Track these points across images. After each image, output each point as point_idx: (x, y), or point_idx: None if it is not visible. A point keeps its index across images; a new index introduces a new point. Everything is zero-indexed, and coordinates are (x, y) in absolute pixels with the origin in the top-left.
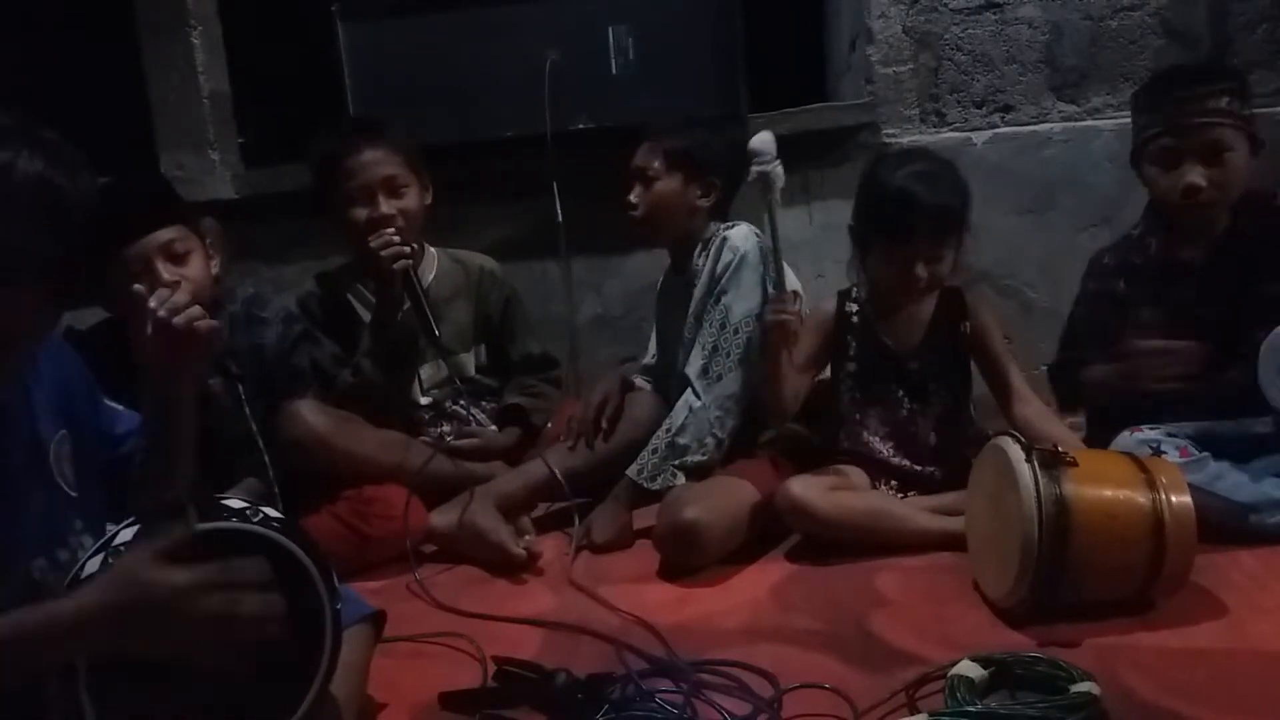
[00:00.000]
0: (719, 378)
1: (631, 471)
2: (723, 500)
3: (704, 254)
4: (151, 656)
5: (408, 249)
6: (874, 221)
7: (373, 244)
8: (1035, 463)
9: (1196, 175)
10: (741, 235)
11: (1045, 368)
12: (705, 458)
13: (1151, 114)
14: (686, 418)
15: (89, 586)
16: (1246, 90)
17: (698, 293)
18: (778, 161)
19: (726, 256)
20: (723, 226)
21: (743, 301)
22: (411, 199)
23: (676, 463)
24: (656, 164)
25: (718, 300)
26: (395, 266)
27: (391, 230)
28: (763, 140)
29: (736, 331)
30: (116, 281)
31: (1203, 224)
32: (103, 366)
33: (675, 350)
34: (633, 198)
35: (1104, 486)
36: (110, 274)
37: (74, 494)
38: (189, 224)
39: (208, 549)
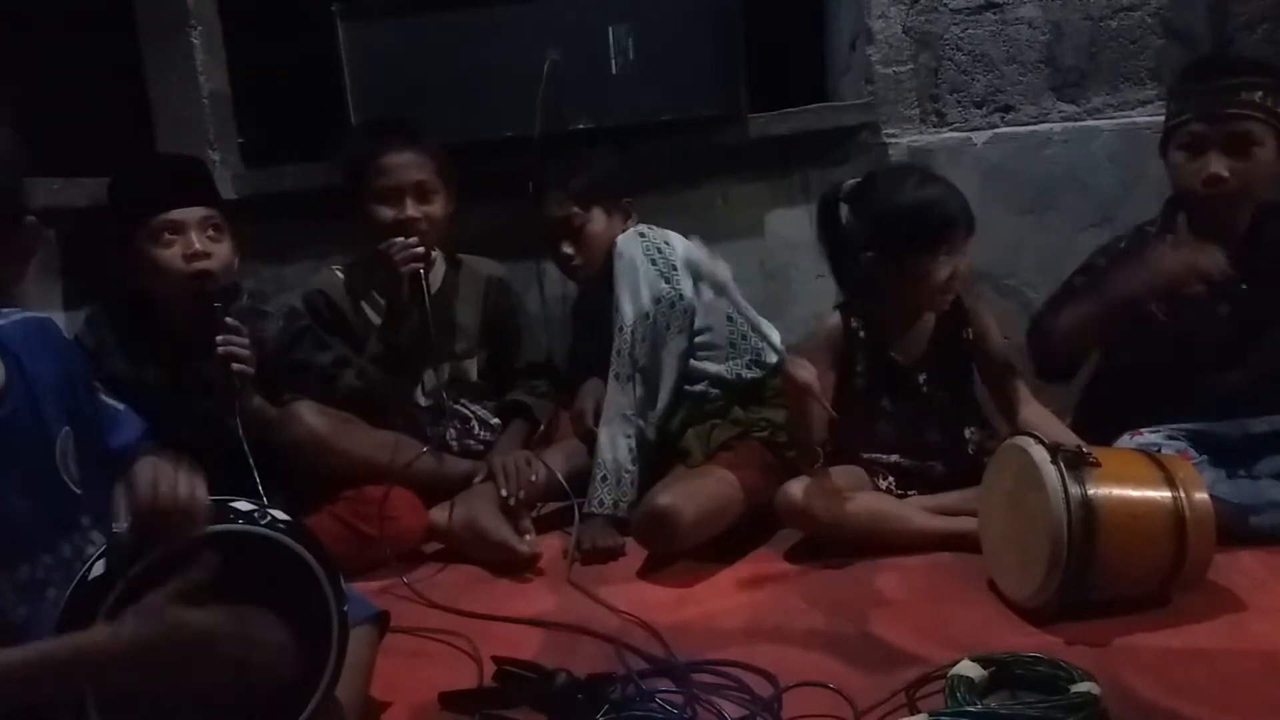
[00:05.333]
0: (628, 379)
1: (587, 506)
2: (698, 487)
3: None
4: (167, 691)
5: (422, 252)
6: (910, 236)
7: (391, 252)
8: (1061, 463)
9: (1220, 165)
10: (625, 240)
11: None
12: (626, 498)
13: (1184, 100)
14: (604, 444)
15: (116, 623)
16: None
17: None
18: (716, 261)
19: (617, 264)
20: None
21: (632, 302)
22: (438, 206)
23: (608, 504)
24: (575, 209)
25: (618, 308)
26: (405, 270)
27: (414, 240)
28: (690, 251)
29: (634, 332)
30: (142, 249)
31: (1222, 218)
32: (107, 349)
33: (590, 363)
34: (566, 249)
35: (1127, 485)
36: (138, 241)
37: (79, 490)
38: (221, 210)
39: (213, 551)
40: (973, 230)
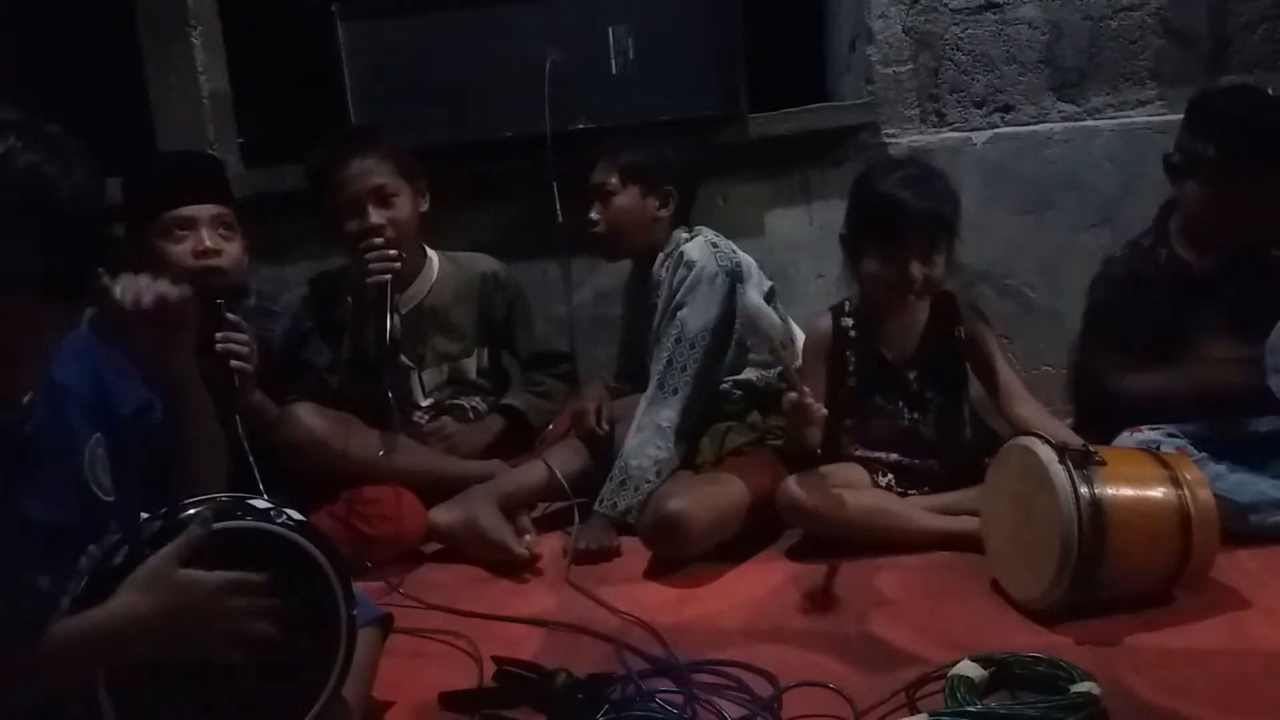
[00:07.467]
0: (674, 391)
1: (597, 505)
2: (709, 493)
3: (666, 264)
4: (181, 656)
5: (396, 263)
6: (867, 226)
7: (367, 259)
8: (1068, 463)
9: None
10: (697, 248)
11: (1066, 375)
12: (644, 498)
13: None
14: (631, 449)
15: (120, 594)
16: None
17: (660, 306)
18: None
19: (682, 272)
20: (683, 236)
21: (698, 316)
22: (402, 208)
23: (620, 508)
24: (613, 179)
25: (674, 314)
26: (371, 280)
27: (381, 241)
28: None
29: (693, 346)
30: (153, 245)
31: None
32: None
33: (639, 354)
34: (593, 214)
35: (1133, 484)
36: (149, 237)
37: (109, 499)
38: (232, 208)
39: (227, 547)
40: (935, 246)
